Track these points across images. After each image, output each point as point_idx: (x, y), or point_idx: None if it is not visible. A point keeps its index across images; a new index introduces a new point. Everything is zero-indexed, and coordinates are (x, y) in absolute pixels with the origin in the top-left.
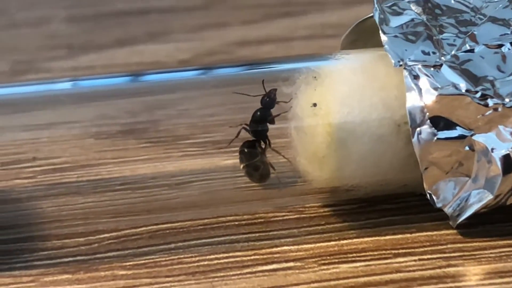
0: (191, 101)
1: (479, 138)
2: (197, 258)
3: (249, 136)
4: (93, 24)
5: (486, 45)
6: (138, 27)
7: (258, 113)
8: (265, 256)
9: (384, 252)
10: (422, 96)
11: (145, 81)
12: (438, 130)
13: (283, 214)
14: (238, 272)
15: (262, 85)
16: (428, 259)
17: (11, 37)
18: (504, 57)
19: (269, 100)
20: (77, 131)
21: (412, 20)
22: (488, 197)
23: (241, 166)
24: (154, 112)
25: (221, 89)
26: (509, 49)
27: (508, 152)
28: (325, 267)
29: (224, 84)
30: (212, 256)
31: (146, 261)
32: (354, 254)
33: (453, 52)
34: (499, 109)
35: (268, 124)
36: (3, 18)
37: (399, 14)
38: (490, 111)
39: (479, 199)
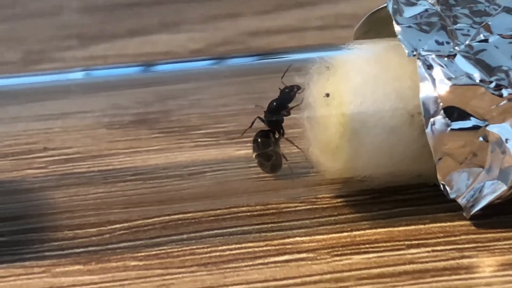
0: (204, 91)
1: (493, 128)
2: (209, 249)
3: (263, 126)
4: (105, 14)
5: (500, 35)
6: (151, 17)
7: (274, 103)
8: (277, 247)
9: (397, 243)
10: (436, 86)
11: (157, 71)
12: (452, 121)
13: (296, 204)
14: (250, 263)
15: (286, 70)
16: (441, 250)
17: (23, 27)
18: None
19: (289, 94)
20: (89, 121)
21: (426, 10)
22: (502, 188)
23: (254, 155)
24: (166, 102)
25: (234, 79)
26: None
27: None
28: (337, 258)
29: (237, 74)
30: (224, 247)
31: (158, 252)
32: (367, 245)
33: (467, 42)
34: None
35: (283, 115)
36: (16, 8)
37: (413, 4)
38: (504, 101)
39: (493, 190)
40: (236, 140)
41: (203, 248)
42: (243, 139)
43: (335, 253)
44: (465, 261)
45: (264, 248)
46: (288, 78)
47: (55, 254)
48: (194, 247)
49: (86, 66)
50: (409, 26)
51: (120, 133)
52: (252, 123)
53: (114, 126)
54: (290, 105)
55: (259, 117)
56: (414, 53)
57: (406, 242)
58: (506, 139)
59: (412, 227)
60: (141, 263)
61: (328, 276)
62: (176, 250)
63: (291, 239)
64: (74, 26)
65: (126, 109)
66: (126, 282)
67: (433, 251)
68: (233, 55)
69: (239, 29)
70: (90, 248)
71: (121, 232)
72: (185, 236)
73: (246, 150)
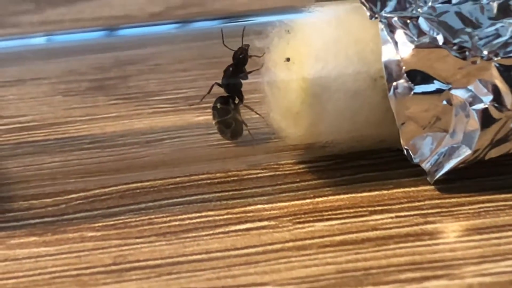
0: (163, 56)
1: (457, 92)
2: (168, 218)
3: (222, 92)
4: None
5: None
6: None
7: (231, 68)
8: (238, 215)
9: (360, 209)
10: (399, 49)
11: (115, 35)
12: (415, 84)
13: (257, 171)
14: (211, 232)
15: (242, 33)
16: (405, 216)
17: None
18: (482, 9)
19: (242, 56)
20: (45, 88)
21: None
22: (466, 152)
23: (214, 122)
24: (124, 67)
25: (194, 43)
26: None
27: (486, 106)
28: (300, 225)
29: (197, 38)
30: (183, 216)
31: (116, 222)
32: (330, 212)
33: (430, 4)
34: (477, 62)
35: (241, 79)
36: None
37: None
38: (468, 64)
39: (457, 154)
40: (196, 106)
41: (162, 217)
42: (202, 105)
43: (297, 220)
44: (429, 226)
45: (225, 217)
46: (248, 42)
47: (10, 225)
48: (153, 216)
49: (42, 31)
50: None
51: (76, 100)
52: (210, 88)
53: (70, 93)
54: (249, 69)
55: (216, 83)
56: (376, 15)
57: (369, 208)
58: (470, 102)
59: (376, 192)
60: (98, 233)
61: (290, 244)
62: (134, 219)
63: (253, 207)
64: None
65: (83, 75)
66: (83, 253)
67: (396, 217)
68: (193, 19)
69: None
70: (46, 219)
71: (78, 202)
72: (143, 205)
73: (205, 116)
